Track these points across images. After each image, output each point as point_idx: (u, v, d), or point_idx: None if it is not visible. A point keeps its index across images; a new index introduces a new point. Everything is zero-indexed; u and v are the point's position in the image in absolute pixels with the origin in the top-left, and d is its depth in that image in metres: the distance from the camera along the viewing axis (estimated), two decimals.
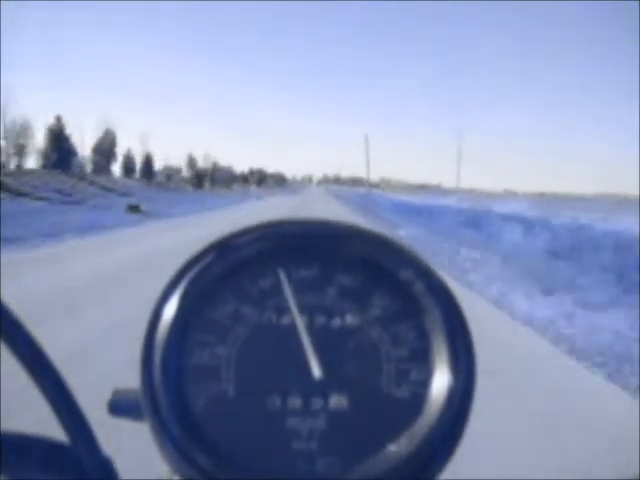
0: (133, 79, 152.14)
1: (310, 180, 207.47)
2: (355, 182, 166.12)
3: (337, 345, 0.37)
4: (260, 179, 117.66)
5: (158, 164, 67.28)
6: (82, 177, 38.15)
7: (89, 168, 47.73)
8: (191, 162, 74.10)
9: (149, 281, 5.31)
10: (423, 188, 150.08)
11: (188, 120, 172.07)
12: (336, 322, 0.38)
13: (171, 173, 69.61)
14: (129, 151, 57.72)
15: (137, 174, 57.02)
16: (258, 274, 0.39)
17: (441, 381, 0.36)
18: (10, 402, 2.35)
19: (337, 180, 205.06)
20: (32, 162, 41.33)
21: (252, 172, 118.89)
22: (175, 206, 25.65)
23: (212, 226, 12.06)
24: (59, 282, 5.86)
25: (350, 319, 0.38)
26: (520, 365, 3.71)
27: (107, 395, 0.42)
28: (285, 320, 0.38)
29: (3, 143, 36.64)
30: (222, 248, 0.40)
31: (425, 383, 0.36)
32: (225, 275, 0.39)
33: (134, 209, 19.90)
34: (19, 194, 22.87)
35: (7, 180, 25.07)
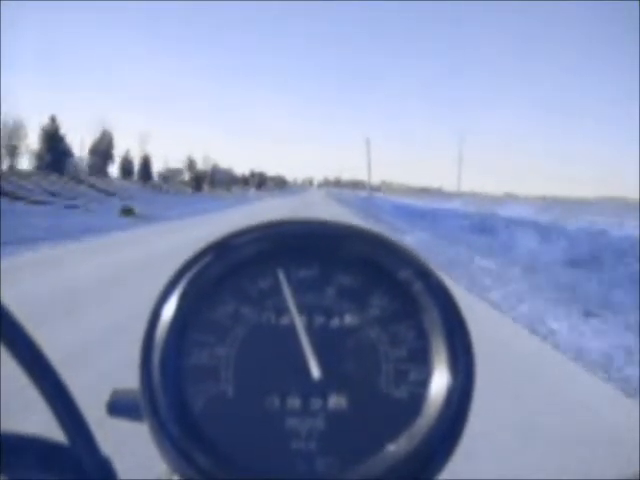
0: (132, 80, 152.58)
1: (311, 183, 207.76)
2: (356, 185, 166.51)
3: (336, 345, 0.38)
4: (260, 182, 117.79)
5: (158, 166, 67.57)
6: (75, 178, 37.75)
7: (86, 169, 47.59)
8: (191, 164, 74.12)
9: (117, 299, 4.99)
10: (424, 191, 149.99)
11: (188, 122, 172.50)
12: (335, 322, 0.38)
13: (170, 175, 69.58)
14: (127, 153, 57.81)
15: (135, 176, 56.97)
16: (257, 274, 0.39)
17: (440, 381, 0.36)
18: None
19: (338, 183, 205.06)
20: (25, 163, 41.32)
21: (252, 175, 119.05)
22: (171, 209, 25.31)
23: (206, 230, 11.26)
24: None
25: (349, 319, 0.38)
26: (587, 424, 2.80)
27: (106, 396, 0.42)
28: (284, 320, 0.38)
29: None
30: (221, 248, 0.40)
31: (424, 383, 0.36)
32: (224, 275, 0.39)
33: (127, 212, 19.69)
34: (8, 196, 22.36)
35: None
